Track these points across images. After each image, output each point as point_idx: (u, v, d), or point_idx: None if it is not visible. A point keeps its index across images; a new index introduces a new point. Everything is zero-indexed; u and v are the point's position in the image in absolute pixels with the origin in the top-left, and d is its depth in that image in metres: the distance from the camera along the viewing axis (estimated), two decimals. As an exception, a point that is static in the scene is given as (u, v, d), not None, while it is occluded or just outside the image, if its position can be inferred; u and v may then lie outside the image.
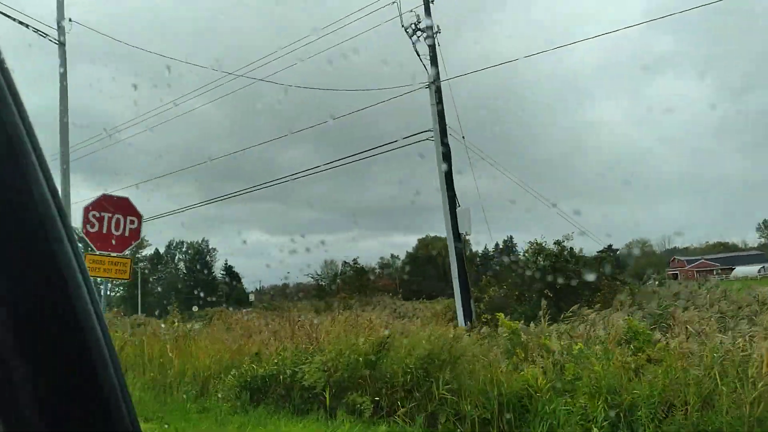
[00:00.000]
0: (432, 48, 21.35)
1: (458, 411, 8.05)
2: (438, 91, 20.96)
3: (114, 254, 8.55)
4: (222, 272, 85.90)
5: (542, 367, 8.47)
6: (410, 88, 21.60)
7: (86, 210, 8.26)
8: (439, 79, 21.13)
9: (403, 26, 21.39)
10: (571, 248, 19.02)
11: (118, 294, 74.79)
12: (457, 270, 20.58)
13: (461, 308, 19.19)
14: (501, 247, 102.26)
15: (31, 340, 0.70)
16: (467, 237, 20.81)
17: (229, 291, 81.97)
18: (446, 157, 20.39)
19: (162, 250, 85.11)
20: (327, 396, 8.27)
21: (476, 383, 8.22)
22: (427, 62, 21.36)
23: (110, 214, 8.45)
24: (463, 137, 21.95)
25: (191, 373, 10.85)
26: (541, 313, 13.53)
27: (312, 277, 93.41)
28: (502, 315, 11.80)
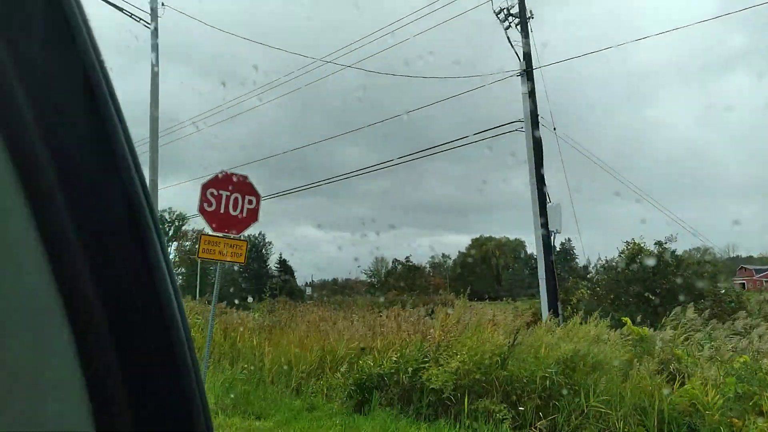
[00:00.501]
0: (525, 33, 20.28)
1: (607, 426, 7.10)
2: (531, 80, 19.91)
3: (231, 236, 7.99)
4: (276, 266, 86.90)
5: (701, 382, 7.41)
6: (497, 77, 20.66)
7: (204, 187, 7.71)
8: (531, 66, 20.08)
9: (494, 12, 20.47)
10: (674, 251, 17.62)
11: (178, 283, 76.14)
12: (544, 270, 19.52)
13: (547, 311, 18.14)
14: (558, 249, 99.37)
15: (120, 338, 0.75)
16: (556, 233, 19.69)
17: (282, 284, 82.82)
18: (537, 149, 19.35)
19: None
20: (462, 402, 7.46)
21: (630, 395, 7.25)
22: (518, 49, 20.33)
23: (228, 193, 7.89)
24: (555, 129, 20.78)
25: (286, 366, 10.26)
26: (664, 320, 12.36)
27: (366, 274, 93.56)
28: (628, 320, 10.75)
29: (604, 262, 19.57)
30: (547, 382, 7.45)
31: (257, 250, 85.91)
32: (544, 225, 19.52)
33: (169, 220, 76.61)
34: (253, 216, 8.05)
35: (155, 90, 15.39)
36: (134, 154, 0.82)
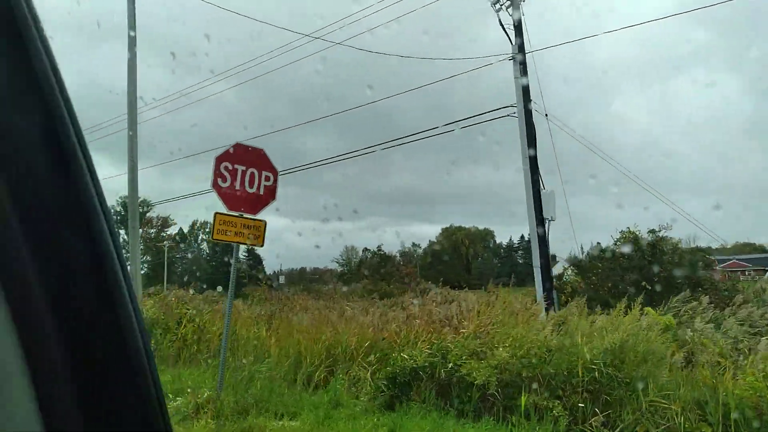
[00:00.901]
0: (517, 16, 19.69)
1: (665, 421, 6.56)
2: (523, 64, 19.36)
3: (247, 215, 7.10)
4: (244, 254, 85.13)
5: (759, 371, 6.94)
6: (488, 61, 20.09)
7: (218, 160, 6.78)
8: (524, 50, 19.53)
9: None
10: (671, 239, 17.41)
11: (143, 272, 74.25)
12: (539, 258, 19.11)
13: (543, 300, 17.76)
14: (527, 239, 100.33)
15: (69, 336, 0.75)
16: (551, 221, 19.30)
17: (250, 273, 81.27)
18: (530, 134, 18.85)
19: (186, 230, 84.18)
20: (504, 397, 6.80)
21: (686, 388, 6.72)
22: (510, 33, 19.76)
23: (244, 167, 6.98)
24: (546, 115, 20.33)
25: (294, 357, 9.45)
26: (665, 308, 12.08)
27: (337, 263, 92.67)
28: (651, 309, 10.33)
29: (597, 250, 19.29)
30: (596, 374, 6.86)
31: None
32: (538, 212, 19.08)
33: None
34: (270, 194, 7.19)
35: (133, 74, 14.20)
36: (84, 148, 0.82)
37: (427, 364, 7.43)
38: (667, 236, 17.11)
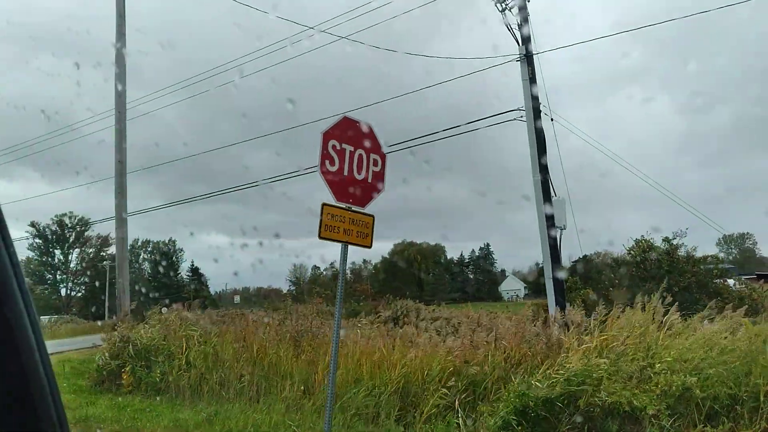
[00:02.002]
0: (524, 18, 18.93)
1: None
2: (531, 65, 18.58)
3: (355, 208, 5.57)
4: (188, 274, 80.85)
5: None
6: (496, 62, 19.23)
7: (325, 137, 5.24)
8: (531, 52, 18.75)
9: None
10: (686, 247, 16.93)
11: (79, 294, 68.48)
12: (551, 269, 18.15)
13: (555, 312, 16.83)
14: (477, 254, 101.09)
15: None
16: (563, 229, 18.48)
17: (195, 293, 77.15)
18: (541, 140, 18.02)
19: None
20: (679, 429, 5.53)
21: None
22: (513, 33, 18.99)
23: (352, 148, 5.47)
24: (552, 120, 19.60)
25: (364, 384, 7.89)
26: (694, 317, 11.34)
27: (290, 281, 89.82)
28: (746, 321, 9.42)
29: (609, 260, 18.64)
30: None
31: (167, 257, 79.40)
32: (550, 220, 18.14)
33: (69, 225, 68.49)
34: (378, 181, 5.68)
35: (122, 69, 12.31)
36: None
37: (564, 392, 6.08)
38: (682, 243, 16.65)
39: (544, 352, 8.06)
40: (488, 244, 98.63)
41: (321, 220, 5.23)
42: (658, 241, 16.93)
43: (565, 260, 19.78)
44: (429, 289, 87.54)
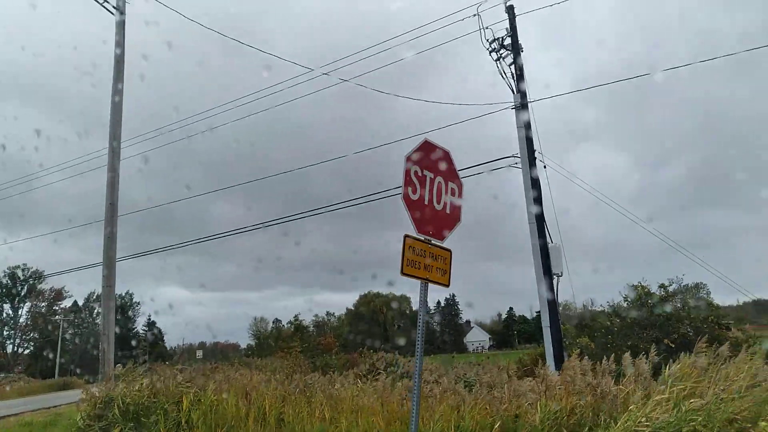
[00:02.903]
0: (518, 66, 19.17)
1: None
2: (525, 112, 18.71)
3: (434, 241, 4.97)
4: (144, 328, 76.85)
5: None
6: (492, 108, 19.31)
7: (409, 161, 4.69)
8: (526, 99, 18.91)
9: (487, 40, 19.25)
10: (690, 291, 16.83)
11: (26, 350, 63.39)
12: (549, 317, 17.73)
13: (553, 361, 16.33)
14: (443, 305, 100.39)
15: None
16: (560, 277, 18.20)
17: (151, 348, 73.18)
18: (536, 185, 17.94)
19: (81, 303, 74.78)
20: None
21: None
22: (506, 80, 19.20)
23: (432, 175, 4.92)
24: (545, 166, 19.63)
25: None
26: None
27: (253, 335, 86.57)
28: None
29: (607, 307, 18.35)
30: None
31: (123, 311, 75.43)
32: (547, 269, 17.84)
33: (22, 277, 64.41)
34: (457, 214, 5.14)
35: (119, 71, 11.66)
36: None
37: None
38: (680, 290, 16.53)
39: (595, 404, 7.49)
40: (453, 295, 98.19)
41: (403, 254, 4.63)
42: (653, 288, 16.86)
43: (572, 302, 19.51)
44: (394, 340, 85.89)
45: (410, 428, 4.78)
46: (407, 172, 4.68)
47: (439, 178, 5.01)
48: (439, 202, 4.99)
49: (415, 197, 4.73)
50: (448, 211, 5.10)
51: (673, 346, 15.82)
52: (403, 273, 4.63)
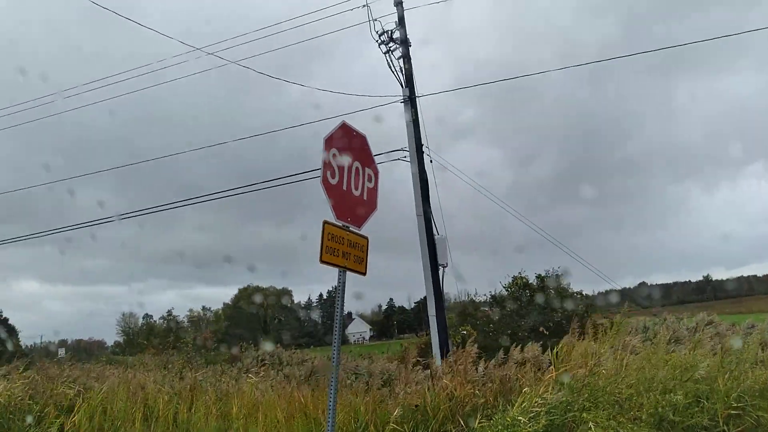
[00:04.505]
0: (407, 60, 19.49)
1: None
2: (414, 106, 19.09)
3: (352, 228, 4.77)
4: (-7, 326, 68.68)
5: None
6: (381, 101, 19.48)
7: (327, 144, 4.45)
8: (414, 93, 19.29)
9: (377, 32, 19.33)
10: (559, 279, 18.17)
11: None
12: (435, 307, 18.34)
13: (439, 350, 16.99)
14: (325, 297, 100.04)
15: None
16: (445, 268, 18.83)
17: (2, 346, 65.69)
18: (423, 178, 18.41)
19: None
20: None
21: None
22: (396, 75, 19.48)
23: (350, 159, 4.72)
24: (432, 161, 20.20)
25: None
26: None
27: (123, 331, 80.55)
28: None
29: (488, 298, 19.31)
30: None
31: (-33, 307, 66.85)
32: (433, 260, 18.43)
33: None
34: (373, 201, 5.04)
35: None
36: None
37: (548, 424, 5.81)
38: (558, 280, 17.85)
39: (491, 389, 7.81)
40: (336, 287, 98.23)
41: (322, 241, 4.43)
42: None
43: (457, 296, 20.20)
44: (275, 335, 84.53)
45: (328, 421, 4.62)
46: (326, 155, 4.50)
47: (356, 164, 4.89)
48: (357, 188, 4.87)
49: (333, 182, 4.57)
50: (365, 198, 4.99)
51: (548, 333, 17.07)
52: (321, 261, 4.45)
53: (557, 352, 7.31)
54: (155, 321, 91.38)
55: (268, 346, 34.37)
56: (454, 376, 8.02)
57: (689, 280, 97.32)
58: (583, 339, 8.19)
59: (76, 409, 8.32)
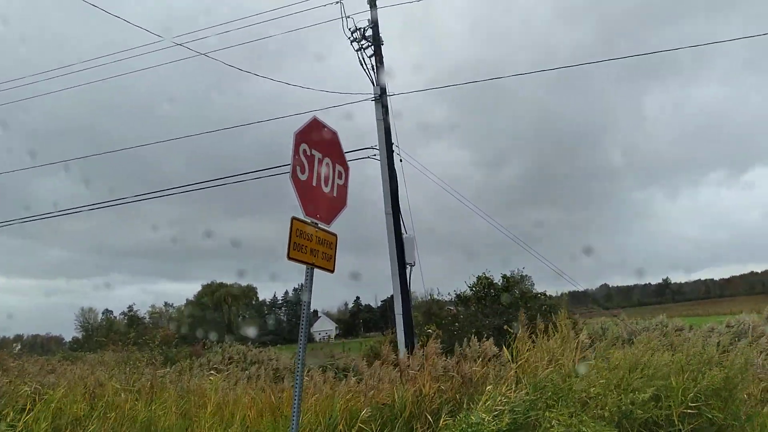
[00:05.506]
0: (379, 58, 19.48)
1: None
2: (384, 105, 19.09)
3: (321, 225, 4.72)
4: (-58, 320, 66.00)
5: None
6: (352, 98, 19.44)
7: (298, 139, 4.39)
8: (385, 91, 19.30)
9: (349, 30, 19.26)
10: (524, 280, 18.42)
11: None
12: (401, 305, 18.40)
13: (405, 347, 17.08)
14: (290, 295, 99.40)
15: None
16: (412, 266, 18.89)
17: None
18: (392, 176, 18.44)
19: None
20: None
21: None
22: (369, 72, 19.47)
23: (321, 155, 4.66)
24: (401, 160, 20.24)
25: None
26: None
27: (83, 327, 78.37)
28: None
29: (453, 297, 19.45)
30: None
31: None
32: (401, 259, 18.47)
33: None
34: (343, 198, 5.01)
35: None
36: None
37: (511, 423, 5.88)
38: (523, 281, 18.10)
39: (456, 387, 7.86)
40: (302, 285, 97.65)
41: (290, 238, 4.37)
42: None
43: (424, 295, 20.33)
44: (239, 333, 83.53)
45: (292, 419, 4.56)
46: (296, 150, 4.44)
47: (327, 159, 4.84)
48: (327, 185, 4.82)
49: (303, 177, 4.51)
50: (335, 194, 4.95)
51: (512, 332, 17.27)
52: (289, 257, 4.39)
53: (512, 351, 7.44)
54: (115, 317, 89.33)
55: (231, 344, 33.97)
56: (422, 370, 8.07)
57: (649, 283, 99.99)
58: (546, 338, 8.31)
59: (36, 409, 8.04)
